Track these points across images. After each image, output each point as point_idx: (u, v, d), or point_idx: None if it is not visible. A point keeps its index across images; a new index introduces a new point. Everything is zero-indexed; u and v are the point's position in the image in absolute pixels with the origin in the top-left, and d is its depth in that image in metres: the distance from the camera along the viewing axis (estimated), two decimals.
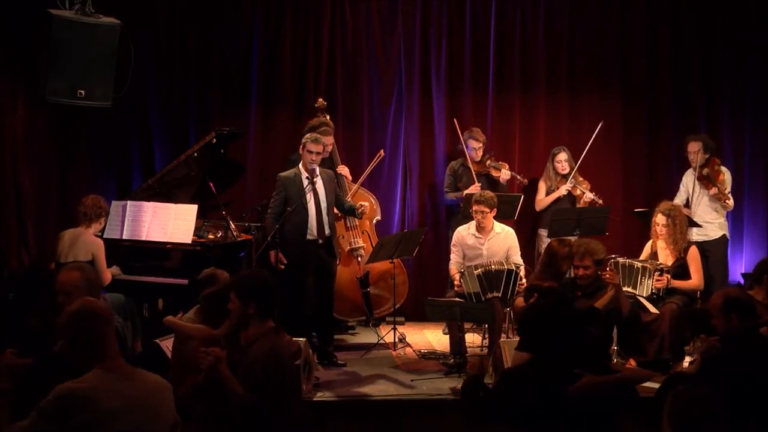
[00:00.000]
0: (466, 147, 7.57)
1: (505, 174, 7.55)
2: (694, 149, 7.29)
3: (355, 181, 7.46)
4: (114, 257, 6.23)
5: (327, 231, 6.53)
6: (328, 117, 7.39)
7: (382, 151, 7.67)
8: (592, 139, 7.55)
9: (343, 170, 7.30)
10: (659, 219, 6.42)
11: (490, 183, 7.53)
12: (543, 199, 7.67)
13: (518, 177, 7.62)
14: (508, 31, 8.17)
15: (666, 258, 6.43)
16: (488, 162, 7.59)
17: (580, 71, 8.27)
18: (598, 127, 7.58)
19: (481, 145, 7.57)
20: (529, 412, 3.58)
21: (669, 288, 6.30)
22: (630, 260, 6.45)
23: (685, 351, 6.32)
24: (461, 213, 7.29)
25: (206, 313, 4.42)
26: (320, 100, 7.46)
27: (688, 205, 7.32)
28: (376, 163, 7.63)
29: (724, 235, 7.39)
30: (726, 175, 7.34)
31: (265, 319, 3.92)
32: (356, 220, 7.29)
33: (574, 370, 3.64)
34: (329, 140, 7.04)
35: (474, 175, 7.51)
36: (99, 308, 3.22)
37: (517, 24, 8.17)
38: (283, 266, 6.33)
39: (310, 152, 6.44)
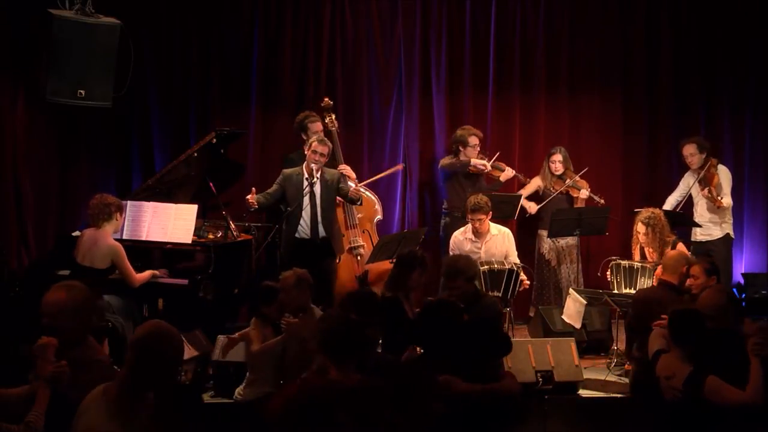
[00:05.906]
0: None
1: (509, 172, 7.54)
2: (689, 152, 7.32)
3: (360, 180, 7.40)
4: None
5: (322, 232, 6.59)
6: (333, 116, 7.34)
7: (402, 165, 7.69)
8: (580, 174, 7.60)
9: (346, 170, 7.14)
10: (639, 228, 6.48)
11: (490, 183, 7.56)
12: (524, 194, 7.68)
13: (519, 176, 7.64)
14: (508, 31, 8.18)
15: (654, 260, 6.47)
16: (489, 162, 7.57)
17: (580, 71, 8.27)
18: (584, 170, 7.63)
19: (478, 142, 7.53)
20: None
21: None
22: (629, 262, 6.48)
23: None
24: (449, 215, 7.47)
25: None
26: (326, 99, 7.38)
27: (680, 205, 7.37)
28: (391, 172, 7.70)
29: (728, 234, 7.38)
30: (722, 175, 7.33)
31: None
32: (357, 219, 7.28)
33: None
34: (317, 126, 7.09)
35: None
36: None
37: (517, 24, 8.17)
38: (254, 202, 6.45)
39: (315, 152, 6.53)
